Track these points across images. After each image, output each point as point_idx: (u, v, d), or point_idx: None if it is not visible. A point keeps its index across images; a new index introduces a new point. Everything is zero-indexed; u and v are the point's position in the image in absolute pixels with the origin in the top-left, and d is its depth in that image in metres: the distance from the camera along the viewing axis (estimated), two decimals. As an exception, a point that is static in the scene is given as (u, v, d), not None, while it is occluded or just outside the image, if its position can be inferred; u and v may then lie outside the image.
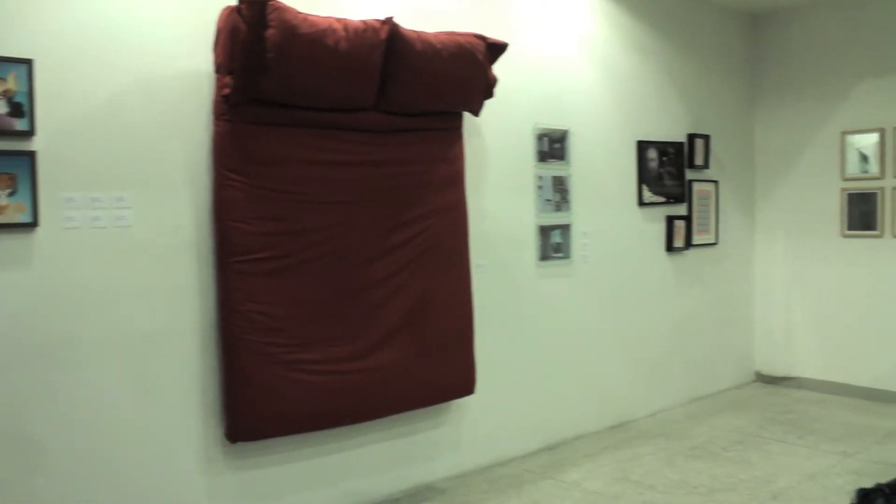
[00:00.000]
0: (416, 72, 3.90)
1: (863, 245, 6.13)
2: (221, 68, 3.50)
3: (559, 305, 5.06)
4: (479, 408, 4.60)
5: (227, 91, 3.46)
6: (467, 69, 4.10)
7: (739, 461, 4.73)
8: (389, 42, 3.75)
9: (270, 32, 3.37)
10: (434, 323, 4.19)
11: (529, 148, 4.84)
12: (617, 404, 5.51)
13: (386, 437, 4.20)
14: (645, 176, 5.60)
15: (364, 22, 3.72)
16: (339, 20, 3.64)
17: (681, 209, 5.92)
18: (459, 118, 4.32)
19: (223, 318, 3.52)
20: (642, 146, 5.58)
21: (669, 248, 5.81)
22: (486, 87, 4.28)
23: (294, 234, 3.68)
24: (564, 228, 5.05)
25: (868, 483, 3.12)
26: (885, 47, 5.99)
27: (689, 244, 5.97)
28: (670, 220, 5.79)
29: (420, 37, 3.91)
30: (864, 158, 6.11)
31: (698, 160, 5.99)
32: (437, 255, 4.21)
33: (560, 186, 4.99)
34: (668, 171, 5.77)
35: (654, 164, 5.66)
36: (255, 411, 3.56)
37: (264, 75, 3.42)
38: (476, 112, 4.33)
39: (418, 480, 4.36)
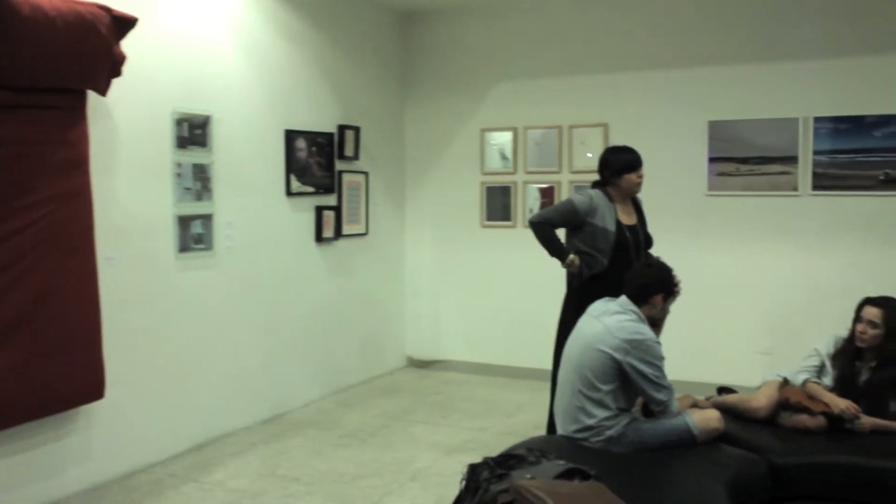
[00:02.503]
0: (22, 41, 3.45)
1: (500, 235, 6.64)
2: None
3: (202, 299, 4.82)
4: (112, 413, 4.22)
5: None
6: (87, 42, 3.72)
7: (385, 445, 4.86)
8: (-12, 4, 3.27)
9: None
10: (55, 322, 3.78)
11: (167, 133, 4.53)
12: (269, 397, 5.40)
13: (0, 453, 3.70)
14: (293, 166, 5.53)
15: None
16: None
17: (330, 199, 5.95)
18: (82, 97, 3.91)
19: None
20: (291, 136, 5.50)
21: (319, 238, 5.81)
22: (113, 64, 3.93)
23: None
24: (206, 218, 4.80)
25: (497, 452, 3.32)
26: (517, 54, 6.53)
27: (339, 234, 6.02)
28: (319, 211, 5.79)
29: (29, 1, 3.47)
30: (502, 155, 6.61)
31: (348, 151, 6.06)
32: (57, 247, 3.80)
33: (202, 174, 4.74)
34: (317, 161, 5.76)
35: (303, 154, 5.62)
36: None
37: None
38: (102, 91, 3.95)
39: (43, 499, 3.90)
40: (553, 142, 6.43)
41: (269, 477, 4.33)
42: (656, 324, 3.50)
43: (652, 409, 3.40)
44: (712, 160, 5.92)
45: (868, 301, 3.72)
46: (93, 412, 4.13)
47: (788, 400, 3.62)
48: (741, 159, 5.84)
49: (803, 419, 3.56)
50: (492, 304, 6.70)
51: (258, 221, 5.25)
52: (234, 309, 5.08)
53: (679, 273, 3.53)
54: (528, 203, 6.52)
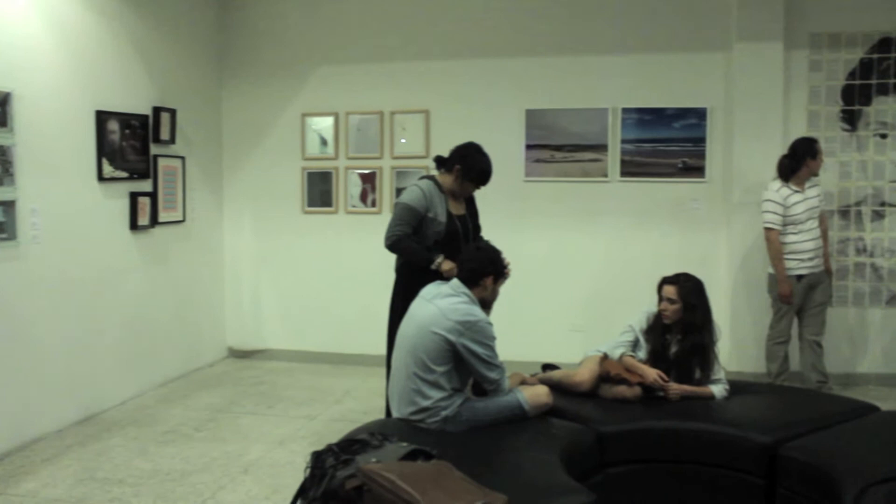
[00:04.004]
0: None
1: (321, 220, 6.59)
2: None
3: (4, 293, 4.43)
4: None
5: None
6: None
7: (212, 439, 4.71)
8: None
9: None
10: None
11: (-40, 111, 4.12)
12: (81, 397, 5.06)
13: None
14: (106, 149, 5.19)
15: None
16: None
17: (146, 185, 5.64)
18: None
19: None
20: (103, 117, 5.15)
21: (134, 226, 5.49)
22: None
23: None
24: (8, 205, 4.39)
25: (330, 439, 3.31)
26: (339, 38, 6.48)
27: (154, 222, 5.73)
28: (134, 197, 5.47)
29: None
30: (323, 140, 6.55)
31: (164, 135, 5.77)
32: None
33: (2, 157, 4.34)
34: (131, 144, 5.44)
35: (115, 137, 5.28)
36: None
37: None
38: None
39: None
40: (375, 127, 6.45)
41: (89, 481, 4.06)
42: (487, 305, 3.62)
43: (485, 388, 3.52)
44: (529, 147, 6.19)
45: (665, 280, 4.02)
46: None
47: (608, 373, 3.87)
48: (556, 146, 6.14)
49: (622, 390, 3.81)
50: (315, 291, 6.64)
51: (67, 208, 4.88)
52: (40, 302, 4.70)
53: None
54: (349, 189, 6.51)
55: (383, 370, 4.37)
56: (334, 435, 4.06)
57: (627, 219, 6.08)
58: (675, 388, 3.82)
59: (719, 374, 3.93)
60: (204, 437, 4.75)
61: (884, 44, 5.78)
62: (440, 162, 4.34)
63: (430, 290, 3.61)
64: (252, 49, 6.64)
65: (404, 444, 2.84)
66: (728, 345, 5.75)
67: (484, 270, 3.56)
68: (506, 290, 3.77)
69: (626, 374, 3.84)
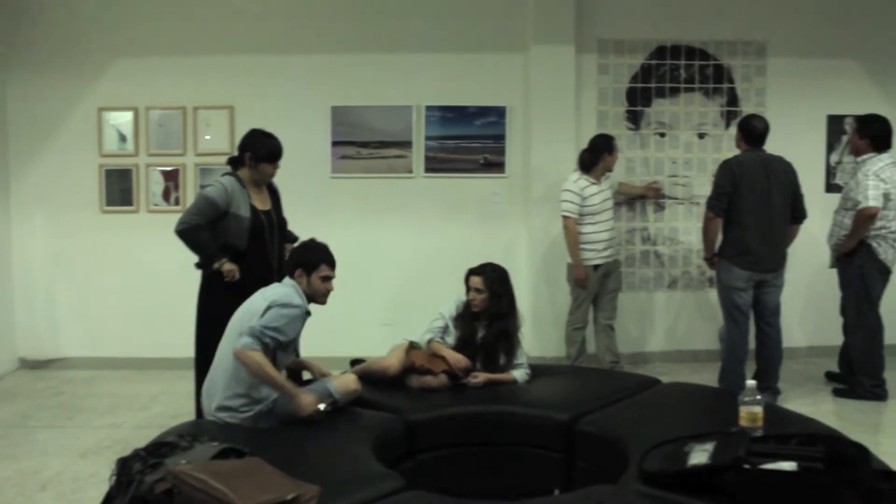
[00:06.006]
0: None
1: (121, 220, 6.30)
2: None
3: None
4: None
5: None
6: None
7: (5, 457, 4.38)
8: None
9: None
10: None
11: None
12: None
13: None
14: None
15: None
16: None
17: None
18: None
19: None
20: None
21: None
22: None
23: None
24: None
25: (137, 446, 3.20)
26: (139, 27, 6.20)
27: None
28: None
29: None
30: (122, 136, 6.26)
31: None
32: None
33: None
34: None
35: None
36: None
37: None
38: None
39: None
40: (177, 123, 6.25)
41: None
42: (315, 299, 3.66)
43: None
44: (335, 144, 6.24)
45: (471, 271, 4.21)
46: None
47: (414, 364, 4.01)
48: (362, 143, 6.23)
49: (428, 380, 3.96)
50: (116, 294, 6.33)
51: None
52: None
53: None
54: (151, 187, 6.27)
55: (192, 373, 4.28)
56: (142, 442, 3.90)
57: (433, 213, 6.28)
58: (482, 375, 4.02)
59: (521, 358, 4.17)
60: (-6, 455, 4.43)
61: (660, 51, 6.33)
62: (234, 162, 4.34)
63: (270, 287, 3.69)
64: (41, 37, 6.18)
65: (215, 443, 2.83)
66: (530, 331, 6.07)
67: (292, 263, 3.68)
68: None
69: (431, 363, 3.99)
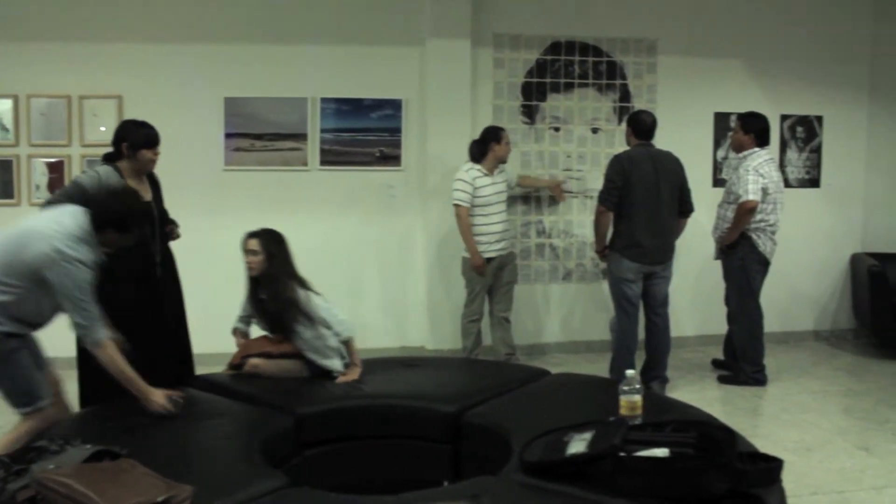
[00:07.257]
0: None
1: (1, 214, 6.00)
2: None
3: None
4: None
5: None
6: None
7: None
8: None
9: None
10: None
11: None
12: None
13: None
14: None
15: None
16: None
17: None
18: None
19: None
20: None
21: None
22: None
23: None
24: None
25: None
26: (17, 9, 5.89)
27: None
28: None
29: None
30: (2, 126, 5.98)
31: None
32: None
33: None
34: None
35: None
36: None
37: None
38: None
39: None
40: (62, 113, 6.00)
41: None
42: None
43: None
44: (229, 136, 6.11)
45: (247, 234, 4.12)
46: None
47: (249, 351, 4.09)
48: (256, 135, 6.13)
49: (249, 368, 4.00)
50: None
51: None
52: None
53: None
54: (33, 179, 6.01)
55: (74, 372, 4.12)
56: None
57: (328, 207, 6.22)
58: (254, 361, 4.01)
59: (333, 317, 4.09)
60: None
61: (555, 47, 6.44)
62: (110, 157, 4.20)
63: None
64: None
65: (88, 446, 2.73)
66: (426, 324, 6.10)
67: None
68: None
69: (238, 357, 4.06)
